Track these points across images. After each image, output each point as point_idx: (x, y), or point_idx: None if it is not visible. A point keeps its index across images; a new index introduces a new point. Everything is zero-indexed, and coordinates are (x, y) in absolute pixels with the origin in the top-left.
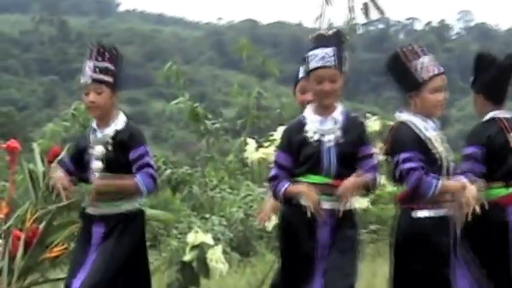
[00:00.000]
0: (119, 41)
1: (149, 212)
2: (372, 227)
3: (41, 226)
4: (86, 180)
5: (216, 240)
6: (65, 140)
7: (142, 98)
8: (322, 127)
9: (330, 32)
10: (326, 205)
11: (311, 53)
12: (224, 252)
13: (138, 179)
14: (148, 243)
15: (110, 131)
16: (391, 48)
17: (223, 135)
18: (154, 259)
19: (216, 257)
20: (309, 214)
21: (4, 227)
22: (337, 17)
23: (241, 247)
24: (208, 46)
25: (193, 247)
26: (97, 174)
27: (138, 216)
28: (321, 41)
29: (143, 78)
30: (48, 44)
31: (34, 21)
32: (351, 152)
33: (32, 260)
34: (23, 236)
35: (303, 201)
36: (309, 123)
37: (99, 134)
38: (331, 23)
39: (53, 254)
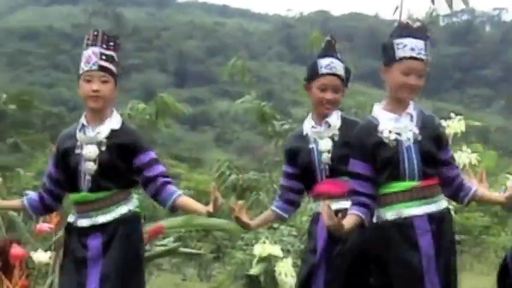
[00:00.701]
0: (178, 35)
1: (212, 221)
2: (456, 237)
3: None
4: (73, 187)
5: (285, 252)
6: None
7: (205, 97)
8: (397, 125)
9: (417, 24)
10: (420, 211)
11: (399, 40)
12: (294, 265)
13: None
14: (211, 255)
15: (104, 129)
16: (476, 41)
17: None
18: (217, 272)
19: (285, 270)
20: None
21: (54, 238)
22: (417, 8)
23: None
24: (276, 40)
25: (261, 259)
26: (88, 177)
27: (135, 219)
28: (409, 30)
29: (205, 75)
30: None
31: (86, 13)
32: (432, 150)
33: None
34: None
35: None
36: (382, 122)
37: (90, 132)
38: (411, 14)
39: None
